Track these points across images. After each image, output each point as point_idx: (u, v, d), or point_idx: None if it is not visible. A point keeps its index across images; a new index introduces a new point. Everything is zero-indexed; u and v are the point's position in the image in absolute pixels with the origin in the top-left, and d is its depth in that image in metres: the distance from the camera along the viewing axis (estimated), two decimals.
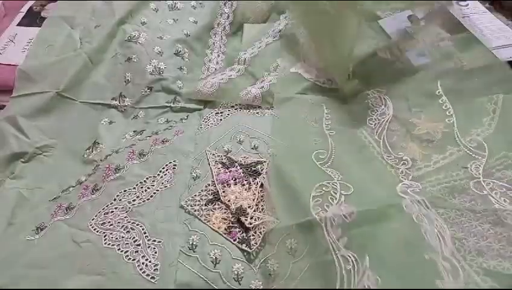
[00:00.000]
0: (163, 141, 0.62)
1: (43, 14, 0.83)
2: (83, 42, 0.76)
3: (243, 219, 0.50)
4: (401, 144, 0.53)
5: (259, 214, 0.50)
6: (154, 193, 0.54)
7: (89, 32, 0.78)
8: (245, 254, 0.48)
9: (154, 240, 0.50)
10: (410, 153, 0.52)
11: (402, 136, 0.54)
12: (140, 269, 0.47)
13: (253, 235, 0.49)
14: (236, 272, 0.46)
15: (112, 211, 0.53)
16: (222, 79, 0.70)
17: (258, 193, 0.52)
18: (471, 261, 0.42)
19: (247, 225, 0.49)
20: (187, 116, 0.68)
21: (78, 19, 0.81)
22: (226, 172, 0.55)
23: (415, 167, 0.51)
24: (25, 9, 0.85)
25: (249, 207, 0.51)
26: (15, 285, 0.48)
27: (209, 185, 0.54)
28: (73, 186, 0.59)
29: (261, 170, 0.54)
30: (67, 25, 0.80)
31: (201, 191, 0.54)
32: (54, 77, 0.70)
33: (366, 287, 0.41)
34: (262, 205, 0.51)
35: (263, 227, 0.49)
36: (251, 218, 0.50)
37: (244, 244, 0.48)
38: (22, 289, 0.48)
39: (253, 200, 0.51)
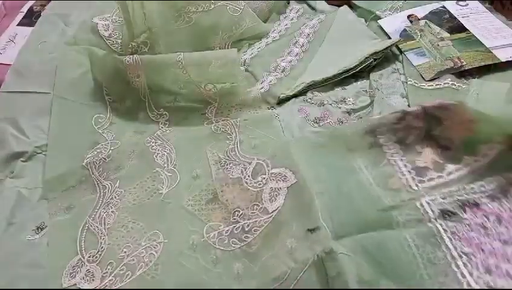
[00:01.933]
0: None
1: (43, 14, 0.84)
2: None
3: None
4: (417, 148, 0.51)
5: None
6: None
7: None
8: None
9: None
10: (424, 160, 0.50)
11: (421, 136, 0.51)
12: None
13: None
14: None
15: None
16: None
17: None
18: (478, 279, 0.41)
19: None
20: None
21: (72, 17, 0.80)
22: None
23: (427, 177, 0.48)
24: (25, 9, 0.86)
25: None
26: (15, 285, 0.48)
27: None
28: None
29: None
30: (62, 22, 0.80)
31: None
32: (46, 76, 0.69)
33: None
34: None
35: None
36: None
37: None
38: (22, 289, 0.48)
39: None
